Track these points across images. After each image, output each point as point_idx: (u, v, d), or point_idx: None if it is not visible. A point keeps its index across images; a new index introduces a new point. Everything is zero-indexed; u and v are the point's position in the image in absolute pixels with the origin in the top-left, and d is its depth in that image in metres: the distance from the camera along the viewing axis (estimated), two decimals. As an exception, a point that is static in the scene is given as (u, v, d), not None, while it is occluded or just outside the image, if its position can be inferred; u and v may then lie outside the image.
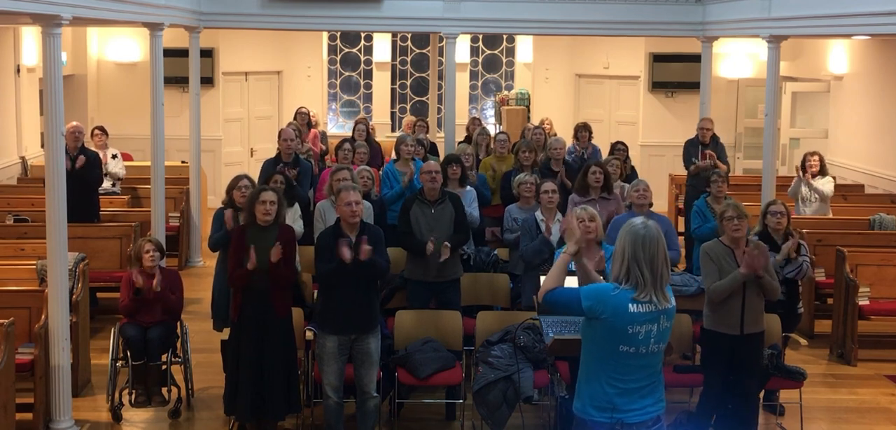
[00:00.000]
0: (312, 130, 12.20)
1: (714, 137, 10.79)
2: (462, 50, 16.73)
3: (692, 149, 10.77)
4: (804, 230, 8.90)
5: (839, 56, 12.88)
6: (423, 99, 17.87)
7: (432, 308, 7.14)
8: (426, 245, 7.04)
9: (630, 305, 4.15)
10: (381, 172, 9.27)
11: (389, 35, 17.00)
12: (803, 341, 8.93)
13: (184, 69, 11.70)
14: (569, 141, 11.05)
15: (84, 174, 9.13)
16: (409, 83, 18.07)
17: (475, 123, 12.89)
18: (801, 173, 10.10)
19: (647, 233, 4.16)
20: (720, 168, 10.45)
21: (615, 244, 4.28)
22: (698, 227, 8.19)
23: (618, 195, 8.16)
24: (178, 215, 11.17)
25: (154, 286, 6.90)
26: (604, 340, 4.24)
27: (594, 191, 7.98)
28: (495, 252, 8.22)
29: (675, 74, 14.60)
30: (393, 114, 17.69)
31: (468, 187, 8.54)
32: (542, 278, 6.29)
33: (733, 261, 6.18)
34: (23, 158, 12.07)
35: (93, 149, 9.98)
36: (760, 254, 6.08)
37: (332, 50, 17.64)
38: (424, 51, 17.72)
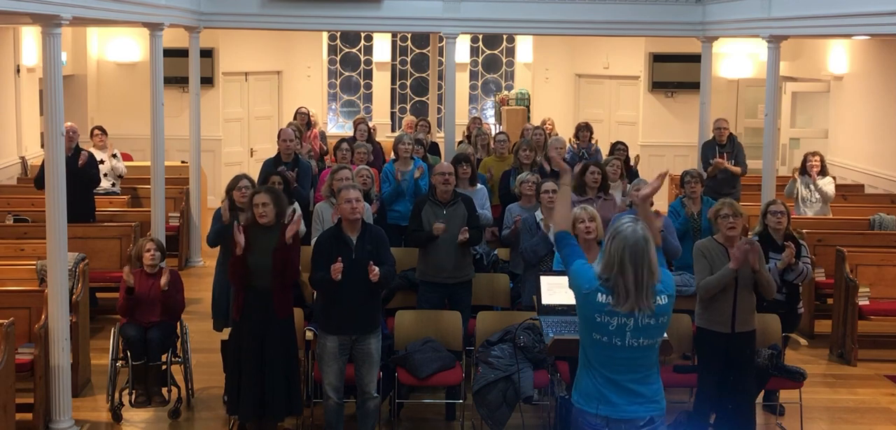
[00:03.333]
0: (312, 130, 12.20)
1: (731, 137, 10.74)
2: (462, 50, 16.73)
3: (709, 150, 10.70)
4: (804, 230, 8.90)
5: (839, 56, 12.88)
6: (423, 99, 17.87)
7: (444, 309, 7.13)
8: (434, 227, 7.02)
9: (600, 294, 4.15)
10: (380, 173, 9.27)
11: (389, 35, 17.00)
12: (803, 342, 8.93)
13: (184, 69, 11.70)
14: (569, 141, 11.05)
15: (80, 174, 9.12)
16: (409, 83, 18.07)
17: (475, 122, 12.89)
18: (799, 174, 10.09)
19: (635, 238, 4.11)
20: (734, 171, 10.43)
21: (604, 242, 4.27)
22: None
23: (614, 196, 8.15)
24: (178, 215, 11.17)
25: (162, 285, 6.92)
26: (582, 323, 4.29)
27: (591, 190, 7.97)
28: (495, 252, 8.23)
29: (675, 74, 14.61)
30: (393, 114, 17.69)
31: (479, 186, 8.55)
32: (543, 279, 6.33)
33: (726, 259, 6.17)
34: (23, 158, 12.07)
35: (88, 149, 9.96)
36: (751, 249, 6.08)
37: (332, 50, 17.64)
38: (424, 51, 17.72)
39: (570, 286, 4.35)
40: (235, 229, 6.13)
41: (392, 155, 9.54)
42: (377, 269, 5.98)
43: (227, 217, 7.14)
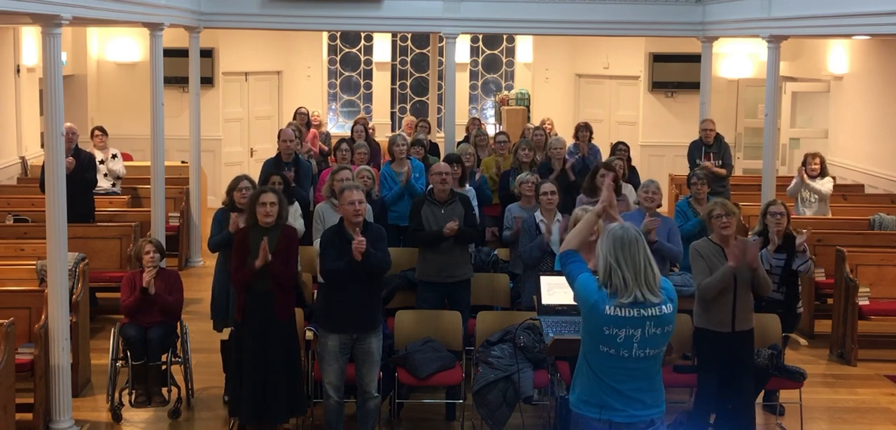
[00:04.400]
0: (312, 130, 12.20)
1: (717, 137, 10.76)
2: (462, 50, 16.73)
3: (695, 151, 10.73)
4: (804, 230, 8.89)
5: (839, 56, 12.89)
6: (423, 99, 17.87)
7: (444, 309, 7.13)
8: (446, 227, 7.02)
9: (607, 306, 4.16)
10: (379, 173, 9.27)
11: (389, 35, 17.00)
12: (803, 341, 8.93)
13: (184, 69, 11.71)
14: (569, 141, 11.05)
15: (78, 175, 9.12)
16: (409, 83, 18.07)
17: (474, 123, 12.89)
18: (803, 176, 10.10)
19: (626, 235, 4.15)
20: (719, 173, 10.44)
21: (597, 249, 4.28)
22: (680, 226, 8.20)
23: (626, 196, 8.16)
24: (178, 215, 11.17)
25: (144, 283, 6.88)
26: (587, 335, 4.30)
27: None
28: (495, 252, 8.22)
29: (675, 74, 14.61)
30: (393, 114, 17.69)
31: (468, 187, 8.55)
32: (543, 279, 6.33)
33: (723, 259, 6.19)
34: (23, 158, 12.08)
35: (88, 150, 9.97)
36: (750, 248, 6.09)
37: (332, 50, 17.64)
38: (424, 51, 17.72)
39: (576, 300, 4.36)
40: (264, 246, 6.06)
41: (389, 156, 9.54)
42: (363, 239, 5.93)
43: (236, 226, 7.09)
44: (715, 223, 6.30)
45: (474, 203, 8.36)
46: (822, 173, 10.05)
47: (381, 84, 17.47)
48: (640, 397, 4.25)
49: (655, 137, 14.83)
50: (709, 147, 10.62)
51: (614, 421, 4.24)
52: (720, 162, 10.51)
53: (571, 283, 4.37)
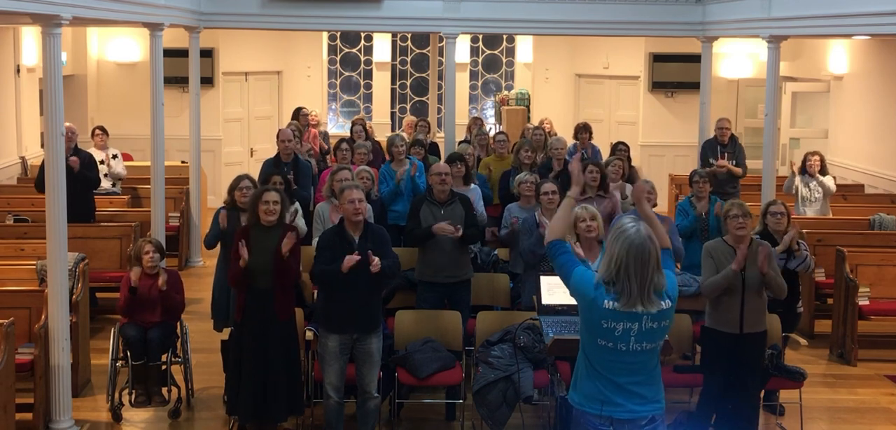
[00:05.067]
0: (311, 130, 12.19)
1: (732, 137, 10.75)
2: (462, 50, 16.73)
3: (709, 150, 10.70)
4: (804, 230, 8.90)
5: (839, 56, 12.89)
6: (423, 99, 17.87)
7: (444, 309, 7.13)
8: (434, 226, 7.01)
9: (606, 301, 4.15)
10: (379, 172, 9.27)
11: (389, 35, 17.00)
12: (803, 341, 8.93)
13: (184, 69, 11.71)
14: (569, 141, 11.05)
15: (78, 175, 9.11)
16: (409, 83, 18.07)
17: (475, 122, 12.89)
18: (798, 173, 10.10)
19: (640, 241, 4.11)
20: (736, 172, 10.44)
21: (606, 245, 4.26)
22: (679, 223, 8.21)
23: (615, 194, 8.16)
24: (178, 215, 11.17)
25: (160, 285, 6.91)
26: (585, 329, 4.29)
27: (591, 190, 7.98)
28: (495, 252, 8.23)
29: (675, 74, 14.61)
30: (393, 114, 17.69)
31: (472, 186, 8.54)
32: (543, 279, 6.34)
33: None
34: (23, 158, 12.07)
35: (88, 150, 9.97)
36: (760, 250, 6.08)
37: (332, 50, 17.64)
38: (424, 51, 17.72)
39: (572, 294, 4.35)
40: (240, 245, 6.11)
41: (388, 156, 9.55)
42: (377, 260, 5.97)
43: (224, 226, 7.16)
44: (730, 223, 6.27)
45: (480, 200, 8.36)
46: (823, 172, 10.07)
47: (381, 84, 17.47)
48: (639, 391, 4.25)
49: (655, 137, 14.83)
50: (724, 147, 10.59)
51: (615, 417, 4.23)
52: (734, 161, 10.50)
53: (566, 278, 4.35)
